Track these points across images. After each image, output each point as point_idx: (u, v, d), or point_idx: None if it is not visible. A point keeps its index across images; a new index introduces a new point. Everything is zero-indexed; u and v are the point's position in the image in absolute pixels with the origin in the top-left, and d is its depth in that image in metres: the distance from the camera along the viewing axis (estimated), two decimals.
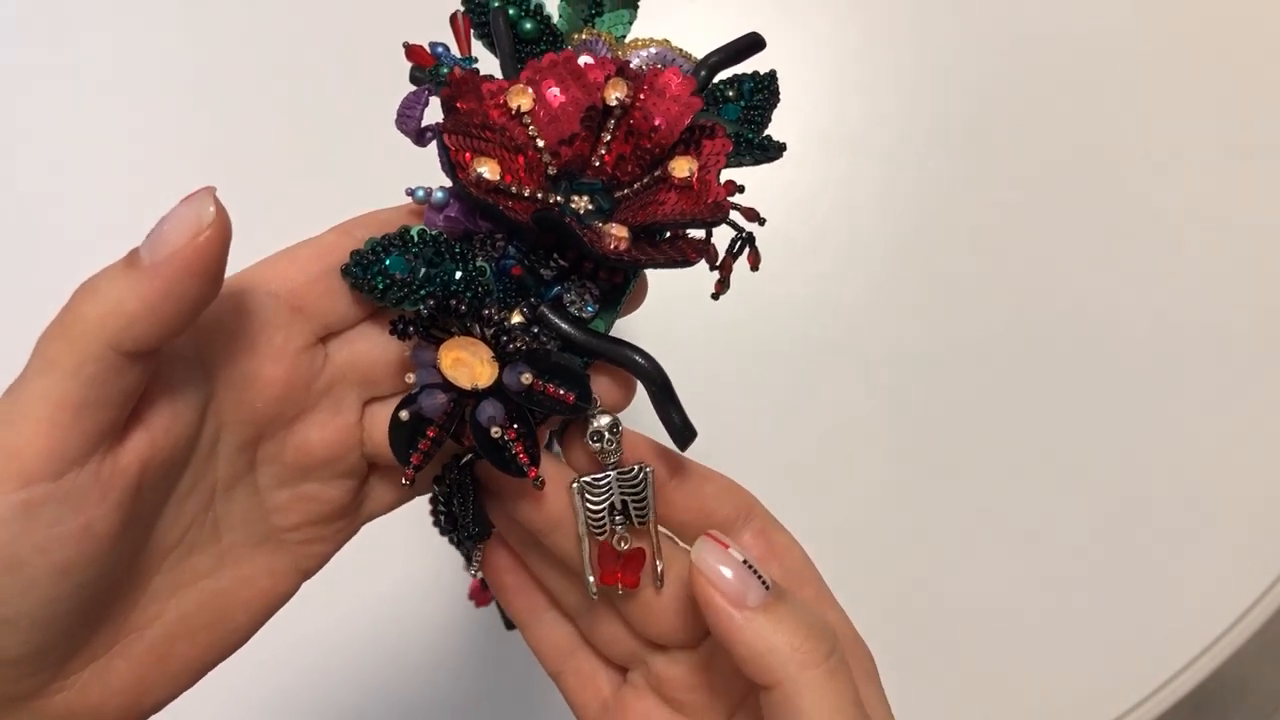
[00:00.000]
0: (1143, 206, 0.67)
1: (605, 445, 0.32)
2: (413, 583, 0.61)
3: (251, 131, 0.68)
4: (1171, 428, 0.64)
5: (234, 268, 0.32)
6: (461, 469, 0.33)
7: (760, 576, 0.30)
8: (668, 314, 0.53)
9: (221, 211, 0.26)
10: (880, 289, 0.66)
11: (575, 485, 0.32)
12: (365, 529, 0.36)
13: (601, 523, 0.33)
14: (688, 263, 0.30)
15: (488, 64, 0.36)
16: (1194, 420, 0.64)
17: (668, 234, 0.32)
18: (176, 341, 0.28)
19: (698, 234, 0.33)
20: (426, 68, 0.36)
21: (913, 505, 0.63)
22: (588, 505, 0.32)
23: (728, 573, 0.30)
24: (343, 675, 0.59)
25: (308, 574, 0.33)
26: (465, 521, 0.34)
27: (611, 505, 0.33)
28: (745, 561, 0.30)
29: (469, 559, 0.38)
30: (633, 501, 0.33)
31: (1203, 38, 0.70)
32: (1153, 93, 0.69)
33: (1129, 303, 0.66)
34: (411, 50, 0.37)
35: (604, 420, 0.32)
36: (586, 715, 0.37)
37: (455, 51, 0.38)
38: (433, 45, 0.37)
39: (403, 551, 0.61)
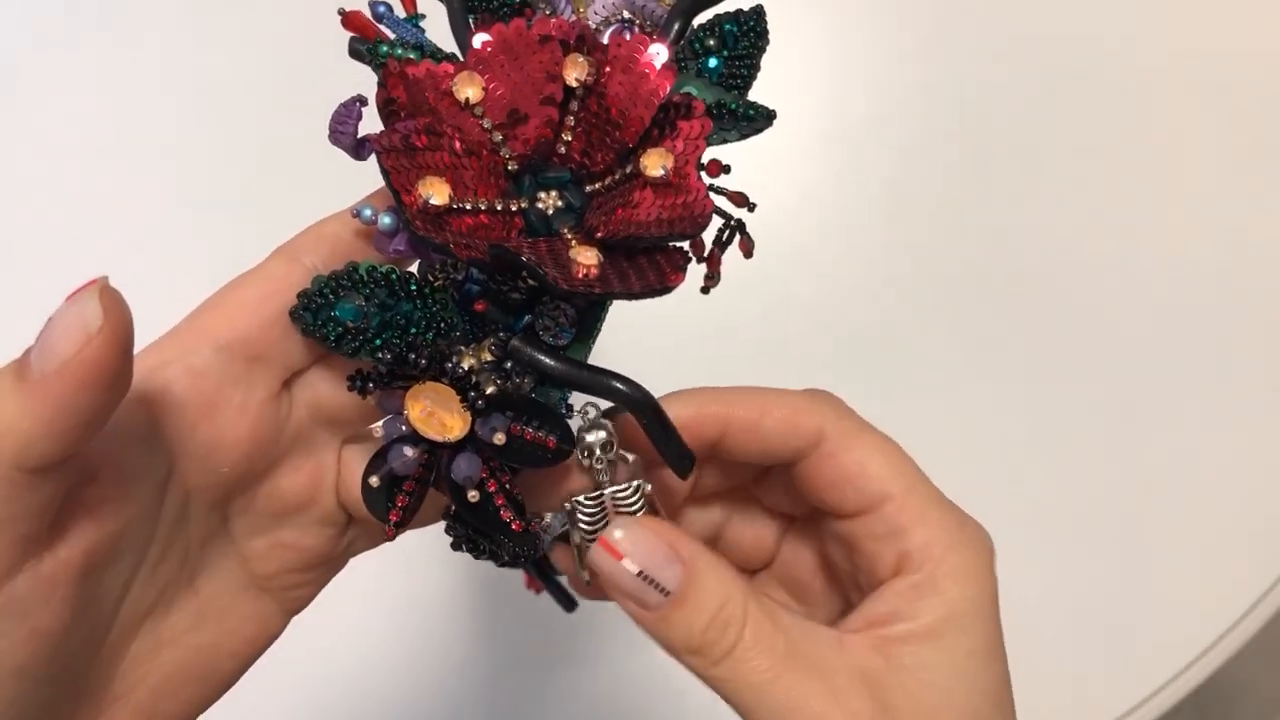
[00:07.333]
0: (1149, 203, 0.65)
1: (595, 463, 0.30)
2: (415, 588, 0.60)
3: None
4: (1173, 427, 0.63)
5: (201, 270, 0.29)
6: (464, 522, 0.31)
7: (657, 586, 0.29)
8: (655, 316, 0.51)
9: (114, 309, 0.23)
10: (880, 284, 0.64)
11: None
12: None
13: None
14: (667, 289, 0.27)
15: (437, 20, 0.32)
16: (1195, 420, 0.63)
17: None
18: (122, 422, 0.26)
19: None
20: (368, 39, 0.32)
21: None
22: (580, 523, 0.31)
23: (623, 580, 0.29)
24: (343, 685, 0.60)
25: (294, 613, 0.32)
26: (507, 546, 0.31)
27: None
28: (640, 573, 0.29)
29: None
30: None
31: (1204, 37, 0.67)
32: (1157, 88, 0.67)
33: (1132, 302, 0.64)
34: (349, 18, 0.32)
35: (598, 435, 0.30)
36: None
37: (400, 11, 0.34)
38: (373, 5, 0.33)
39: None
